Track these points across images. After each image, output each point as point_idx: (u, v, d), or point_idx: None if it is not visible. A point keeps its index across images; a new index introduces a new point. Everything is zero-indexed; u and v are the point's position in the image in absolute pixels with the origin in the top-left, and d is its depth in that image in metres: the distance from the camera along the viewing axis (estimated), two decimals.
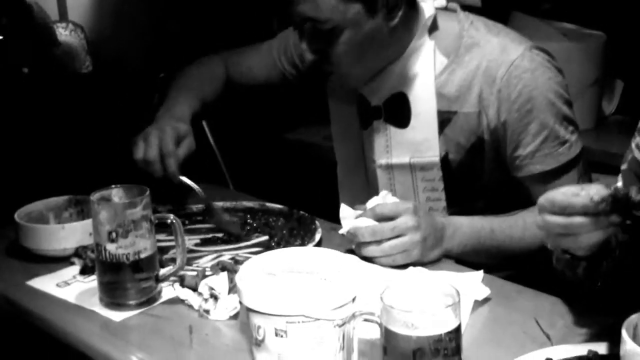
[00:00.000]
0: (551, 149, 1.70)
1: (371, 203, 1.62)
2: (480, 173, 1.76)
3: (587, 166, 1.75)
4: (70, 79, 2.28)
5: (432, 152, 1.74)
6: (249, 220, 1.81)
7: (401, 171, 1.80)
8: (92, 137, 2.19)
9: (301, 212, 1.82)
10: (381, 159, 1.81)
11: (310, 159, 2.23)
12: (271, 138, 2.01)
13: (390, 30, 1.70)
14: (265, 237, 1.73)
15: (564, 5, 2.89)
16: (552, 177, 1.71)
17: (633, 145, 1.44)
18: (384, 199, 1.62)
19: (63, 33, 2.38)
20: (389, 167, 1.81)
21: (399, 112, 1.76)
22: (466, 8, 1.81)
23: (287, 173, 1.90)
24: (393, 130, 1.78)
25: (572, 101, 1.74)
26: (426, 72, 1.75)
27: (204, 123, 2.44)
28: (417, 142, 1.76)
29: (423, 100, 1.74)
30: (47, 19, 2.28)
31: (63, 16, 2.83)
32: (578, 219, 1.15)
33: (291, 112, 2.19)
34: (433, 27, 1.76)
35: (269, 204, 1.87)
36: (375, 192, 1.72)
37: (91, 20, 2.93)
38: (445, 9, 1.81)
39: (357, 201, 1.66)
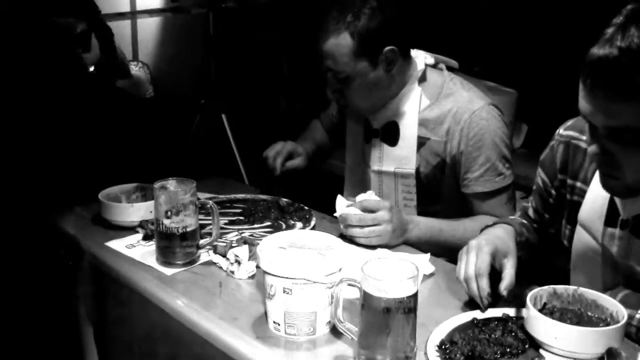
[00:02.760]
0: (490, 177, 1.68)
1: (360, 197, 1.60)
2: (440, 184, 1.74)
3: (513, 193, 1.73)
4: (138, 102, 2.27)
5: (410, 165, 1.72)
6: (258, 209, 1.76)
7: (388, 177, 1.77)
8: (154, 142, 2.17)
9: (301, 204, 1.79)
10: (375, 166, 1.79)
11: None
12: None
13: (389, 78, 1.68)
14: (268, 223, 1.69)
15: (489, 68, 2.88)
16: (488, 196, 1.69)
17: (538, 176, 1.44)
18: (369, 196, 1.60)
19: (134, 69, 2.38)
20: (380, 173, 1.78)
21: (391, 134, 1.74)
22: (448, 67, 1.80)
23: (296, 173, 1.83)
24: (385, 147, 1.76)
25: (511, 146, 1.72)
26: (413, 108, 1.72)
27: (224, 117, 2.39)
28: (401, 157, 1.73)
29: (409, 128, 1.72)
30: (125, 58, 2.26)
31: (135, 56, 2.97)
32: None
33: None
34: (422, 78, 1.74)
35: (281, 199, 1.82)
36: (367, 190, 1.70)
37: (155, 60, 3.00)
38: (434, 66, 1.78)
39: (356, 195, 1.64)
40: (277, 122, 3.05)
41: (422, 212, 1.72)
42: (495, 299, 1.23)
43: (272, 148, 1.84)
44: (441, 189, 1.74)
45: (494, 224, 1.41)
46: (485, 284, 1.23)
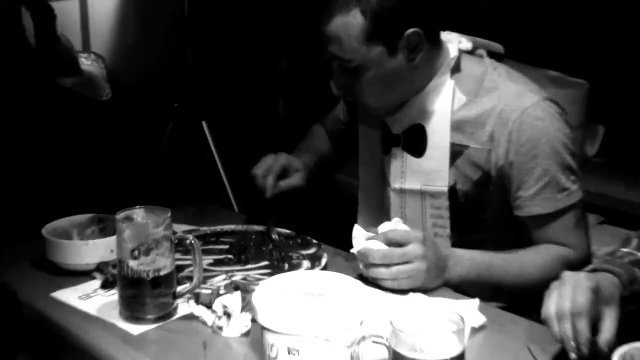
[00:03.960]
0: (550, 194, 1.68)
1: (383, 227, 1.61)
2: (484, 206, 1.75)
3: (584, 214, 1.73)
4: (91, 106, 2.28)
5: (441, 182, 1.73)
6: (252, 244, 1.80)
7: (412, 196, 1.78)
8: (113, 158, 2.20)
9: (307, 237, 1.81)
10: (395, 183, 1.80)
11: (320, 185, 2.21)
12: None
13: (411, 69, 1.69)
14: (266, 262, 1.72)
15: (551, 54, 2.87)
16: (549, 219, 1.70)
17: None
18: (395, 225, 1.61)
19: (85, 62, 2.39)
20: (402, 192, 1.80)
21: (416, 141, 1.76)
22: (490, 53, 1.81)
23: (294, 195, 1.87)
24: (409, 158, 1.77)
25: (577, 153, 1.74)
26: (444, 107, 1.73)
27: (204, 125, 2.39)
28: (429, 171, 1.74)
29: (438, 133, 1.73)
30: (72, 49, 2.28)
31: (86, 46, 2.95)
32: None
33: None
34: (456, 68, 1.75)
35: (279, 230, 1.85)
36: (389, 214, 1.72)
37: (113, 51, 2.99)
38: (472, 52, 1.80)
39: (373, 220, 1.65)
40: (274, 131, 3.04)
41: (458, 243, 1.73)
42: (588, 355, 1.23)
43: (261, 164, 1.88)
44: (485, 211, 1.75)
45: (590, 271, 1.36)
46: (584, 326, 1.22)
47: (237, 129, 3.08)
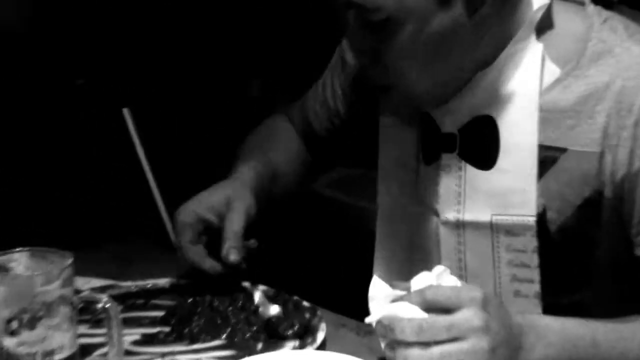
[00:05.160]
0: None
1: (418, 282, 1.47)
2: (591, 246, 1.64)
3: None
4: None
5: (526, 209, 1.61)
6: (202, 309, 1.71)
7: (477, 233, 1.66)
8: None
9: (294, 297, 1.72)
10: (448, 212, 1.68)
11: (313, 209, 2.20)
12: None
13: (473, 28, 1.58)
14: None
15: None
16: None
17: None
18: (438, 279, 1.48)
19: None
20: (459, 226, 1.68)
21: (482, 144, 1.66)
22: (598, 2, 1.75)
23: (277, 226, 1.89)
24: (470, 171, 1.66)
25: None
26: (528, 87, 1.62)
27: (126, 113, 2.38)
28: (505, 191, 1.63)
29: (519, 130, 1.62)
30: None
31: None
32: None
33: None
34: (545, 25, 1.65)
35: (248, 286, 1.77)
36: (430, 261, 1.63)
37: None
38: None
39: (402, 270, 1.60)
40: (244, 125, 2.93)
41: (551, 306, 1.64)
42: None
43: (181, 226, 1.81)
44: (593, 256, 1.66)
45: None
46: None
47: (182, 122, 3.08)
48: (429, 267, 1.51)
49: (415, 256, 1.78)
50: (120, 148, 2.29)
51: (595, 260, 1.66)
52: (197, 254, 1.78)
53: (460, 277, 1.57)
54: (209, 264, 1.78)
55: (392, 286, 1.48)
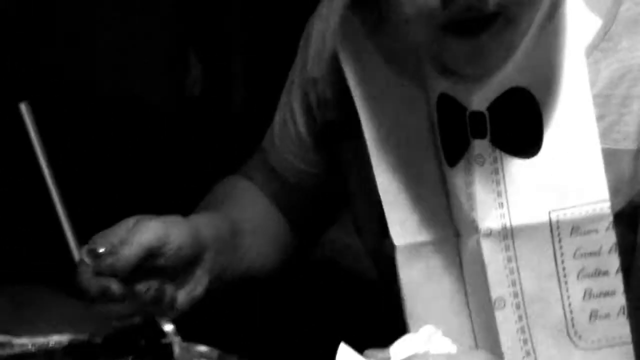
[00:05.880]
0: None
1: (400, 350, 1.35)
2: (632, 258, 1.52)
3: None
4: None
5: (596, 194, 1.44)
6: None
7: (532, 242, 1.46)
8: None
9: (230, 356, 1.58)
10: (489, 220, 1.48)
11: None
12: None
13: None
14: None
15: None
16: None
17: None
18: (426, 344, 1.35)
19: None
20: (507, 235, 1.48)
21: (519, 125, 1.47)
22: None
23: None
24: (510, 162, 1.47)
25: None
26: (574, 43, 1.44)
27: (23, 109, 2.24)
28: (563, 179, 1.46)
29: (571, 98, 1.45)
30: None
31: None
32: None
33: None
34: None
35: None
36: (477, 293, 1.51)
37: None
38: None
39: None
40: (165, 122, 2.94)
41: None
42: None
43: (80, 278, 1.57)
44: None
45: None
46: None
47: (89, 116, 2.93)
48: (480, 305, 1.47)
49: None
50: (15, 152, 2.03)
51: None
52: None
53: (516, 306, 1.44)
54: (115, 286, 1.50)
55: (366, 356, 1.33)
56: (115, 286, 1.49)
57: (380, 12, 1.48)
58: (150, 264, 1.52)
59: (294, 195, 1.82)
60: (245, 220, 1.76)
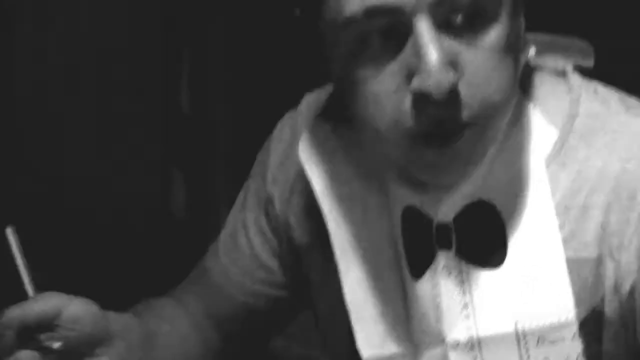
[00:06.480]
0: None
1: None
2: None
3: None
4: None
5: (562, 303, 1.43)
6: None
7: (500, 349, 1.45)
8: None
9: None
10: (456, 331, 1.46)
11: None
12: None
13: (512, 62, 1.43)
14: None
15: None
16: None
17: None
18: None
19: None
20: (474, 346, 1.46)
21: (482, 236, 1.47)
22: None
23: None
24: (474, 273, 1.46)
25: None
26: (535, 153, 1.46)
27: (8, 232, 2.22)
28: (528, 288, 1.46)
29: (532, 209, 1.46)
30: None
31: None
32: None
33: None
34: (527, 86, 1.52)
35: None
36: None
37: None
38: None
39: None
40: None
41: None
42: None
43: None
44: None
45: None
46: None
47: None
48: None
49: None
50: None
51: None
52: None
53: None
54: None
55: None
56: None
57: (351, 122, 1.48)
58: (49, 337, 1.46)
59: (238, 311, 1.76)
60: (163, 333, 1.70)
